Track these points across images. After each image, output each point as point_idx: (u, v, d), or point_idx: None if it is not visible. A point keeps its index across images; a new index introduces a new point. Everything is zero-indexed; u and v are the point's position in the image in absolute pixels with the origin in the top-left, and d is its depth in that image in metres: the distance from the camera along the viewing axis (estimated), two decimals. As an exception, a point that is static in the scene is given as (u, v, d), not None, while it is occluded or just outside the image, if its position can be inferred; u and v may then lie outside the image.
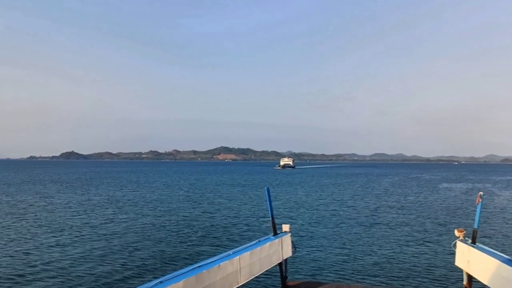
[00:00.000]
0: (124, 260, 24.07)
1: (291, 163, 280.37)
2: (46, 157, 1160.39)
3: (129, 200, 59.10)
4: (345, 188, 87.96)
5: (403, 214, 45.46)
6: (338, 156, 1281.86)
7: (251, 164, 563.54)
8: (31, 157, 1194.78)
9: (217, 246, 28.48)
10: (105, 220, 39.82)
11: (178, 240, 30.64)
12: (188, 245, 28.70)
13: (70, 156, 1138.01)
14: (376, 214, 45.62)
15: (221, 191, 78.44)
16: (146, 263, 23.62)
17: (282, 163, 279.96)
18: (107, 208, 48.55)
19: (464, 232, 12.19)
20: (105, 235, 32.00)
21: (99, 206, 50.53)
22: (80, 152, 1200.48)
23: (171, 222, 39.14)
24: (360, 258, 25.06)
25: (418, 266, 23.11)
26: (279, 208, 49.58)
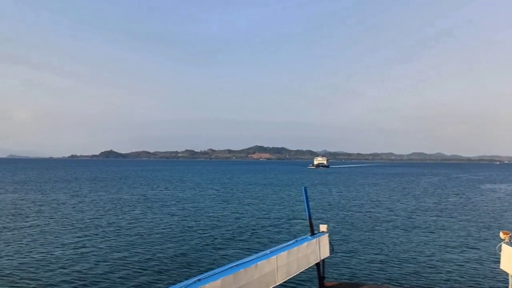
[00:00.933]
0: (159, 259, 23.75)
1: (325, 162, 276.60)
2: (86, 156, 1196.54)
3: (163, 199, 59.11)
4: (382, 189, 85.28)
5: (444, 217, 43.06)
6: (374, 155, 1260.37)
7: (285, 163, 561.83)
8: (72, 156, 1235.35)
9: (253, 245, 28.27)
10: (140, 218, 39.63)
11: (214, 239, 30.35)
12: (225, 244, 28.47)
13: (109, 155, 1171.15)
14: (414, 216, 43.41)
15: (254, 190, 77.59)
16: (182, 261, 23.42)
17: (316, 162, 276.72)
18: (140, 207, 48.59)
19: (510, 234, 11.82)
20: (140, 233, 31.67)
21: (129, 205, 50.67)
22: (119, 151, 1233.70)
23: (208, 221, 38.62)
24: (399, 261, 23.70)
25: (460, 270, 21.70)
26: (313, 208, 47.98)
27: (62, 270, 21.44)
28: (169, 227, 35.37)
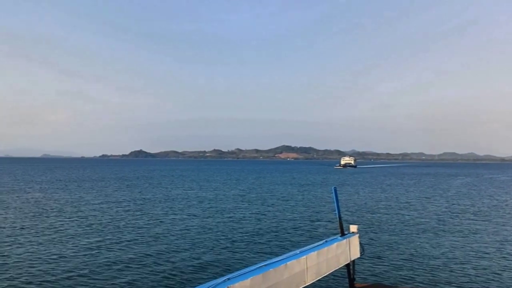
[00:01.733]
0: (187, 259, 23.50)
1: (352, 162, 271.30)
2: (116, 156, 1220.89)
3: (186, 199, 58.66)
4: (411, 189, 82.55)
5: (478, 220, 40.80)
6: (404, 155, 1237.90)
7: (312, 163, 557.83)
8: (103, 156, 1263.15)
9: (282, 245, 28.05)
10: (160, 219, 39.11)
11: (243, 239, 30.12)
12: (253, 244, 28.24)
13: (138, 154, 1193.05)
14: (446, 219, 41.32)
15: (280, 190, 76.36)
16: (211, 261, 23.30)
17: (343, 162, 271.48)
18: (162, 207, 48.18)
19: None
20: (158, 234, 31.06)
21: (151, 205, 50.34)
22: (148, 151, 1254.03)
23: (233, 221, 37.85)
24: (430, 267, 22.33)
25: (497, 279, 20.14)
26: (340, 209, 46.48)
27: (73, 271, 20.86)
28: (189, 228, 34.59)
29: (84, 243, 27.96)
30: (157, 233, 31.87)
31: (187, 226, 35.53)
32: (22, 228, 33.09)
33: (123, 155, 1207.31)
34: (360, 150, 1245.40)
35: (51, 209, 44.65)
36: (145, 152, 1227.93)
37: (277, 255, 10.47)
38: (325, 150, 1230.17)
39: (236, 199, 59.30)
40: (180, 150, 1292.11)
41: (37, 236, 30.03)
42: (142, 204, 51.12)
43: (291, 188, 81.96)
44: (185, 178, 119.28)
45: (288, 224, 36.75)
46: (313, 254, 10.32)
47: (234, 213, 43.73)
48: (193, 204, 51.47)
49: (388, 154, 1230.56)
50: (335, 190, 12.92)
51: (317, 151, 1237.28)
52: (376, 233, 33.07)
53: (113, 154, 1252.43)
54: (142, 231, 32.57)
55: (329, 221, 38.57)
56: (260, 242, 28.96)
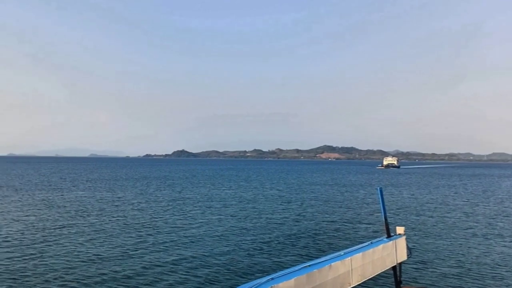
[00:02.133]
0: (226, 260, 23.50)
1: (395, 162, 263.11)
2: (160, 155, 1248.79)
3: (225, 198, 58.69)
4: (460, 191, 78.93)
5: (532, 224, 38.18)
6: (450, 155, 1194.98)
7: (354, 163, 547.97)
8: (147, 155, 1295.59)
9: (326, 245, 27.98)
10: (198, 218, 39.14)
11: (286, 239, 30.10)
12: (297, 244, 28.23)
13: (181, 154, 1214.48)
14: (496, 222, 39.00)
15: (320, 190, 75.02)
16: (251, 263, 23.11)
17: (385, 162, 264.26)
18: (200, 206, 48.30)
19: None
20: (195, 234, 30.95)
21: (190, 205, 50.61)
22: (190, 151, 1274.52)
23: (277, 221, 37.52)
24: (480, 275, 21.08)
25: None
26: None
27: (108, 271, 20.88)
28: (228, 228, 34.35)
29: (122, 243, 28.17)
30: (196, 234, 31.78)
31: (225, 226, 35.29)
32: (63, 227, 33.84)
33: (166, 155, 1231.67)
34: (404, 150, 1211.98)
35: (92, 208, 45.63)
36: (188, 152, 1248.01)
37: (320, 256, 10.80)
38: (368, 150, 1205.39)
39: (275, 200, 58.73)
40: (221, 150, 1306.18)
41: (77, 236, 30.60)
42: (181, 203, 51.47)
43: (331, 189, 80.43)
44: (225, 177, 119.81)
45: (330, 226, 36.01)
46: (358, 255, 10.26)
47: (274, 215, 43.20)
48: (232, 204, 51.30)
49: (433, 154, 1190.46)
50: (381, 191, 12.73)
51: (359, 151, 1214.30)
52: (422, 235, 31.87)
53: (157, 154, 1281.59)
54: (181, 232, 32.56)
55: (370, 223, 37.63)
56: (301, 244, 28.42)
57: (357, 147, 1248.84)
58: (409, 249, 12.90)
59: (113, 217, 39.59)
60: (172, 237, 30.06)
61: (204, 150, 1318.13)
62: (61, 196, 57.64)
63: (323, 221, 38.53)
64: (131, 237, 30.07)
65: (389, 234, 12.57)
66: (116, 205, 48.45)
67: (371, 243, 11.65)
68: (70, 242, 27.79)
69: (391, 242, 11.98)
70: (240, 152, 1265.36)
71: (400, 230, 13.03)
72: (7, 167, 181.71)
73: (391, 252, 11.88)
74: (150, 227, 34.10)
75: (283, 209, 47.05)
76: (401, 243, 12.47)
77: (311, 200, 57.74)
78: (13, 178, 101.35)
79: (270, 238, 30.39)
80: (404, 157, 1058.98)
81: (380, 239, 12.24)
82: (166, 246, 27.09)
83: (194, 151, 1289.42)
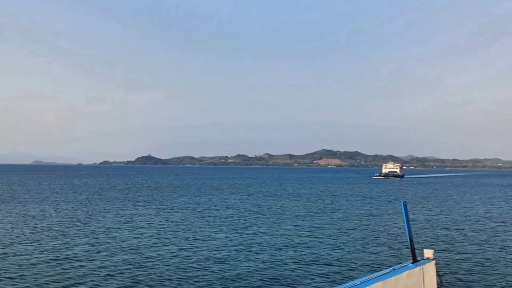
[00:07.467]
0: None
1: (397, 170, 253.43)
2: (120, 162, 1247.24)
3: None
4: (493, 205, 79.45)
5: None
6: (475, 162, 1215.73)
7: (357, 170, 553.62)
8: (105, 162, 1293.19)
9: (336, 273, 27.20)
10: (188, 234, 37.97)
11: (285, 265, 29.67)
12: (299, 272, 27.49)
13: (146, 160, 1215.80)
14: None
15: (320, 204, 74.53)
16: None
17: (384, 170, 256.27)
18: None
19: None
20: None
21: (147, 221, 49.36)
22: (158, 157, 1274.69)
23: (276, 243, 37.73)
24: None
25: None
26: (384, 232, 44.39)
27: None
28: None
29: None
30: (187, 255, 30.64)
31: (210, 249, 34.40)
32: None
33: (128, 162, 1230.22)
34: (420, 155, 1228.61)
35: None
36: (155, 158, 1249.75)
37: (331, 285, 10.66)
38: (375, 156, 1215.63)
39: (273, 216, 58.02)
40: (197, 156, 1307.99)
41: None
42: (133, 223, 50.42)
43: (334, 199, 79.98)
44: (198, 189, 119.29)
45: (337, 248, 35.80)
46: (378, 285, 10.01)
47: (267, 235, 42.88)
48: (206, 224, 50.46)
49: (454, 160, 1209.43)
50: (405, 206, 12.40)
51: (365, 156, 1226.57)
52: (454, 259, 31.86)
53: (116, 160, 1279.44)
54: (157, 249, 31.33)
55: (387, 245, 37.29)
56: (305, 269, 28.21)
57: (362, 152, 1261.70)
58: (440, 277, 12.65)
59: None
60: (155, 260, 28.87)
61: (176, 156, 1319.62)
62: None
63: (334, 241, 38.69)
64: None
65: (415, 258, 12.26)
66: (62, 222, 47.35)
67: (393, 269, 11.48)
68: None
69: (417, 268, 11.75)
70: (220, 158, 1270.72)
71: (428, 253, 12.66)
72: None
73: (418, 280, 11.63)
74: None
75: (293, 228, 46.48)
76: (430, 269, 12.15)
77: (316, 214, 58.75)
78: None
79: (273, 265, 29.82)
80: (420, 163, 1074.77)
81: (404, 264, 12.07)
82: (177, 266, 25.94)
83: (163, 157, 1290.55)
